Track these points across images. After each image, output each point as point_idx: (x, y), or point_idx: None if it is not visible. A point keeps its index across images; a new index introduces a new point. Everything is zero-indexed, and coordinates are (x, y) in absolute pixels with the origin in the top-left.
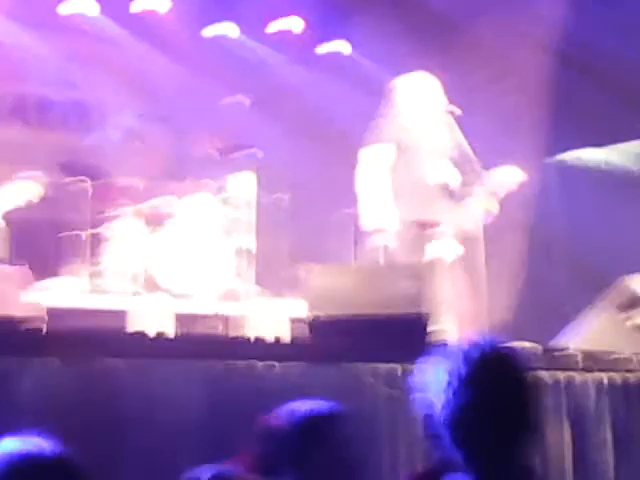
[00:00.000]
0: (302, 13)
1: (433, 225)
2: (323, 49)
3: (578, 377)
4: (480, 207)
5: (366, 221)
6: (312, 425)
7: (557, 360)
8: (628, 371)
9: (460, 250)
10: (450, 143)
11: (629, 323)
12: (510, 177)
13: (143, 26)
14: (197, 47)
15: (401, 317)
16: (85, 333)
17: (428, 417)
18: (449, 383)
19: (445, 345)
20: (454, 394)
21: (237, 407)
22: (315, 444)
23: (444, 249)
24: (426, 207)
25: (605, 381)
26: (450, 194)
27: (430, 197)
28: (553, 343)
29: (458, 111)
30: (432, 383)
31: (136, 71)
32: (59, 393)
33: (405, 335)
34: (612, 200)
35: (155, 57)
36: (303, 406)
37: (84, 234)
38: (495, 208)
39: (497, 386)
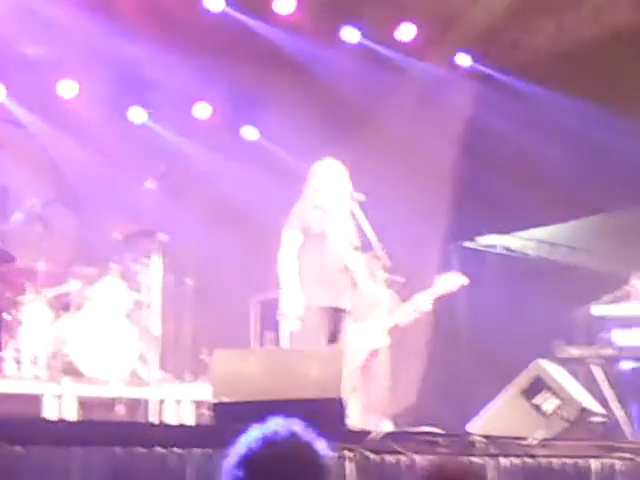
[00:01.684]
0: (212, 101)
1: (340, 311)
2: (235, 136)
3: (481, 462)
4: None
5: (281, 305)
6: None
7: (461, 444)
8: (531, 456)
9: (380, 340)
10: (357, 230)
11: (531, 410)
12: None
13: (52, 110)
14: (107, 132)
15: (310, 402)
16: None
17: None
18: (226, 469)
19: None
20: (230, 474)
21: None
22: None
23: (351, 335)
24: (335, 293)
25: (507, 465)
26: (356, 279)
27: (337, 282)
28: (458, 428)
29: (362, 198)
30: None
31: (42, 155)
32: None
33: (322, 420)
34: (517, 286)
35: (63, 141)
36: None
37: None
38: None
39: (262, 468)
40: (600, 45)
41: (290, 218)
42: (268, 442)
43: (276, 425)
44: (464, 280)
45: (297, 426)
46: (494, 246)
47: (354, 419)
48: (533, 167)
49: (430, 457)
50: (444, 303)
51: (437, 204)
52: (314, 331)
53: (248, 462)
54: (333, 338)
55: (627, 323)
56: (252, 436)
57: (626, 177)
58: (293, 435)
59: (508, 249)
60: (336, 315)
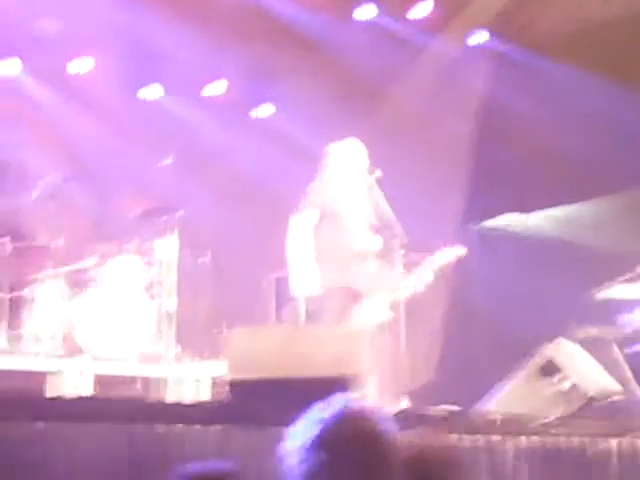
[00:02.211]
0: (227, 77)
1: (356, 291)
2: (250, 113)
3: (497, 440)
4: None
5: (292, 285)
6: None
7: (476, 423)
8: (546, 435)
9: (383, 315)
10: (374, 209)
11: (548, 389)
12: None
13: (68, 86)
14: (123, 108)
15: (325, 380)
16: (5, 395)
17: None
18: (299, 449)
19: (314, 408)
20: (302, 460)
21: (157, 469)
22: None
23: (367, 314)
24: (349, 272)
25: (524, 445)
26: (372, 259)
27: (353, 262)
28: (475, 407)
29: (380, 174)
30: (290, 450)
31: (60, 131)
32: None
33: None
34: (533, 266)
35: (80, 117)
36: (196, 467)
37: (5, 296)
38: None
39: (344, 448)
40: (616, 23)
41: (305, 198)
42: (344, 419)
43: (339, 402)
44: (462, 251)
45: (356, 402)
46: (511, 225)
47: (371, 397)
48: (550, 146)
49: (412, 436)
50: (460, 282)
51: (453, 182)
52: (329, 310)
53: (329, 442)
54: (348, 318)
55: (635, 306)
56: (321, 415)
57: (631, 159)
58: (363, 410)
59: (525, 228)
60: (351, 295)
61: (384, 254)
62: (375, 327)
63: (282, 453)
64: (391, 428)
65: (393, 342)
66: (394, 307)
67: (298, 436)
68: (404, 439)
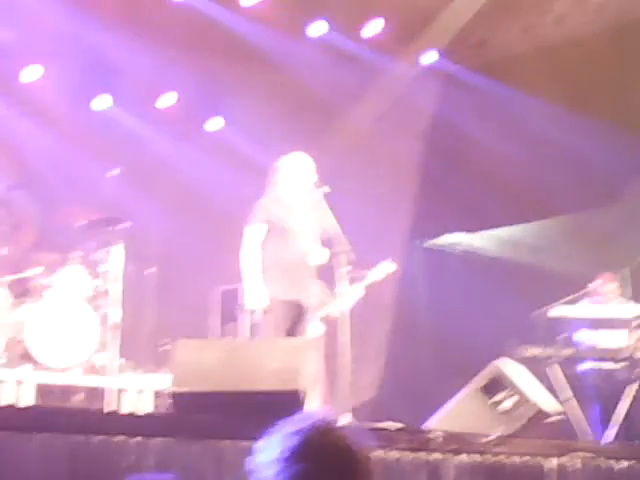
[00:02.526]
0: (177, 90)
1: (302, 305)
2: (200, 127)
3: (438, 458)
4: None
5: (243, 298)
6: None
7: (418, 440)
8: (487, 453)
9: (322, 330)
10: (322, 222)
11: (491, 407)
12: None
13: (17, 94)
14: (73, 118)
15: (269, 393)
16: None
17: None
18: (276, 460)
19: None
20: (280, 471)
21: None
22: None
23: (315, 329)
24: (295, 286)
25: (465, 462)
26: (318, 273)
27: (300, 276)
28: (418, 424)
29: (327, 190)
30: (265, 462)
31: (7, 139)
32: None
33: (281, 412)
34: (478, 285)
35: (28, 126)
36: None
37: None
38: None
39: (318, 465)
40: (564, 48)
41: (253, 213)
42: (321, 430)
43: (311, 416)
44: (392, 267)
45: (329, 415)
46: (457, 244)
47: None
48: (497, 166)
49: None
50: (405, 299)
51: (401, 200)
52: (275, 324)
53: (309, 452)
54: (294, 332)
55: (586, 324)
56: (296, 427)
57: (589, 180)
58: (333, 423)
59: (471, 248)
60: (298, 309)
61: (331, 269)
62: (318, 341)
63: (252, 467)
64: (366, 441)
65: (336, 358)
66: (337, 322)
67: (272, 448)
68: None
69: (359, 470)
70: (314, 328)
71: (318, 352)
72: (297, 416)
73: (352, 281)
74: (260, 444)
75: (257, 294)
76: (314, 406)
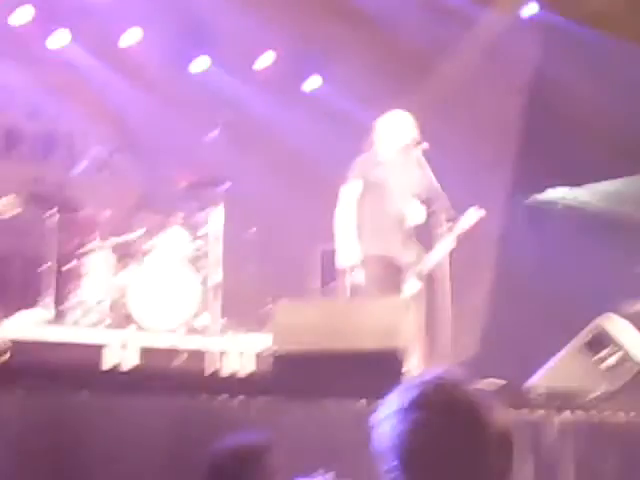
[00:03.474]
0: (277, 50)
1: (400, 261)
2: (298, 86)
3: (542, 415)
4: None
5: (337, 256)
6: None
7: (522, 397)
8: (592, 410)
9: (425, 287)
10: (420, 180)
11: (596, 363)
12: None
13: (116, 58)
14: (171, 80)
15: (371, 352)
16: (51, 366)
17: (381, 450)
18: (395, 412)
19: (405, 380)
20: (399, 421)
21: (202, 441)
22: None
23: (412, 286)
24: (394, 244)
25: (569, 420)
26: (418, 231)
27: (397, 233)
28: (521, 381)
29: (426, 146)
30: (384, 416)
31: (107, 103)
32: (25, 427)
33: (381, 371)
34: (582, 240)
35: (128, 89)
36: (231, 443)
37: (53, 267)
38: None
39: (438, 413)
40: None
41: (350, 171)
42: (441, 382)
43: (434, 371)
44: (480, 214)
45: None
46: (560, 199)
47: (412, 370)
48: (600, 119)
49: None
50: (507, 255)
51: (502, 155)
52: (374, 281)
53: (427, 402)
54: (394, 288)
55: None
56: (416, 380)
57: None
58: (462, 378)
59: (574, 202)
60: (396, 265)
61: (430, 226)
62: (416, 299)
63: (373, 422)
64: (488, 398)
65: (437, 314)
66: (437, 279)
67: (391, 402)
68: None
69: (478, 424)
70: (411, 285)
71: (416, 310)
72: (420, 372)
73: (444, 234)
74: (383, 400)
75: (350, 251)
76: (414, 364)
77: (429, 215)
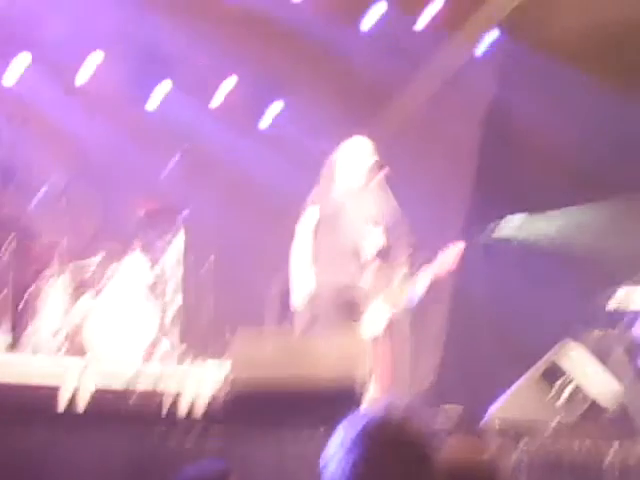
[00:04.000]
0: (236, 80)
1: (359, 292)
2: (257, 117)
3: (496, 442)
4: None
5: (294, 289)
6: None
7: (476, 424)
8: (547, 440)
9: (386, 318)
10: (381, 206)
11: (551, 393)
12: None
13: (75, 85)
14: (130, 108)
15: (328, 385)
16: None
17: None
18: (341, 446)
19: (356, 413)
20: (344, 456)
21: (160, 472)
22: None
23: (370, 316)
24: (352, 274)
25: (526, 450)
26: (377, 260)
27: (356, 264)
28: (479, 412)
29: (387, 171)
30: (331, 450)
31: (65, 132)
32: None
33: (339, 403)
34: (537, 269)
35: (86, 117)
36: (192, 471)
37: (10, 295)
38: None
39: (382, 448)
40: (627, 28)
41: (309, 200)
42: (383, 417)
43: (382, 404)
44: (458, 250)
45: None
46: (516, 228)
47: (373, 400)
48: (557, 148)
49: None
50: (465, 283)
51: (459, 184)
52: (331, 313)
53: (365, 439)
54: (352, 318)
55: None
56: (359, 417)
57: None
58: (407, 410)
59: (531, 231)
60: (353, 295)
61: (390, 253)
62: (377, 330)
63: (323, 462)
64: (434, 431)
65: (395, 345)
66: (397, 309)
67: (339, 437)
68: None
69: (422, 457)
70: (375, 315)
71: (379, 339)
72: (364, 406)
73: (418, 266)
74: (330, 439)
75: (305, 283)
76: (375, 394)
77: (390, 242)
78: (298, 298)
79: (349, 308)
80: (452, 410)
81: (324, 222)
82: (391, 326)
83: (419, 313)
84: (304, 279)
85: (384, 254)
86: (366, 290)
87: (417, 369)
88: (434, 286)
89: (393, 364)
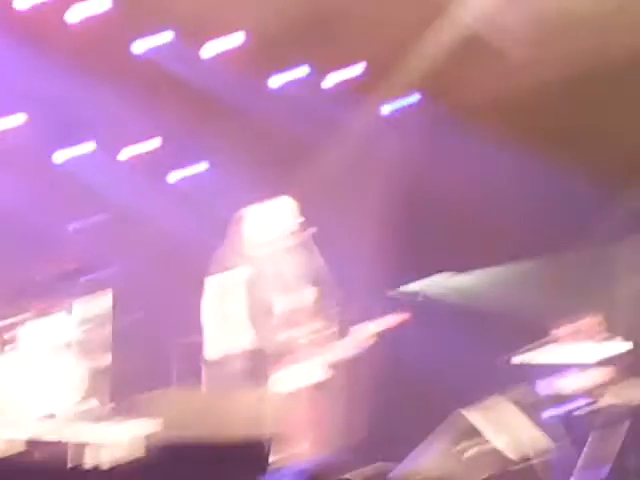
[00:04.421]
0: (152, 138)
1: (270, 352)
2: (173, 174)
3: None
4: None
5: (209, 350)
6: None
7: None
8: None
9: (312, 376)
10: (304, 266)
11: (468, 452)
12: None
13: None
14: (42, 167)
15: (239, 442)
16: None
17: None
18: None
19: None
20: None
21: None
22: None
23: (293, 375)
24: (264, 333)
25: None
26: (304, 317)
27: (265, 325)
28: (397, 468)
29: (314, 230)
30: None
31: None
32: None
33: (248, 460)
34: (455, 329)
35: (3, 176)
36: None
37: None
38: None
39: None
40: (537, 93)
41: (213, 264)
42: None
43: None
44: (387, 323)
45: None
46: (420, 292)
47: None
48: (470, 210)
49: None
50: (386, 345)
51: (378, 250)
52: (238, 374)
53: None
54: (259, 380)
55: (550, 370)
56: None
57: (553, 224)
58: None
59: (434, 294)
60: (261, 358)
61: (316, 312)
62: (303, 388)
63: None
64: None
65: (320, 402)
66: (324, 368)
67: None
68: None
69: None
70: (310, 374)
71: (304, 397)
72: (290, 468)
73: (343, 328)
74: None
75: (216, 345)
76: (294, 451)
77: (314, 299)
78: (209, 357)
79: (260, 368)
80: (380, 467)
81: (239, 282)
82: (315, 383)
83: (346, 371)
84: (214, 340)
85: (309, 313)
86: (279, 350)
87: (338, 427)
88: (360, 347)
89: (315, 420)
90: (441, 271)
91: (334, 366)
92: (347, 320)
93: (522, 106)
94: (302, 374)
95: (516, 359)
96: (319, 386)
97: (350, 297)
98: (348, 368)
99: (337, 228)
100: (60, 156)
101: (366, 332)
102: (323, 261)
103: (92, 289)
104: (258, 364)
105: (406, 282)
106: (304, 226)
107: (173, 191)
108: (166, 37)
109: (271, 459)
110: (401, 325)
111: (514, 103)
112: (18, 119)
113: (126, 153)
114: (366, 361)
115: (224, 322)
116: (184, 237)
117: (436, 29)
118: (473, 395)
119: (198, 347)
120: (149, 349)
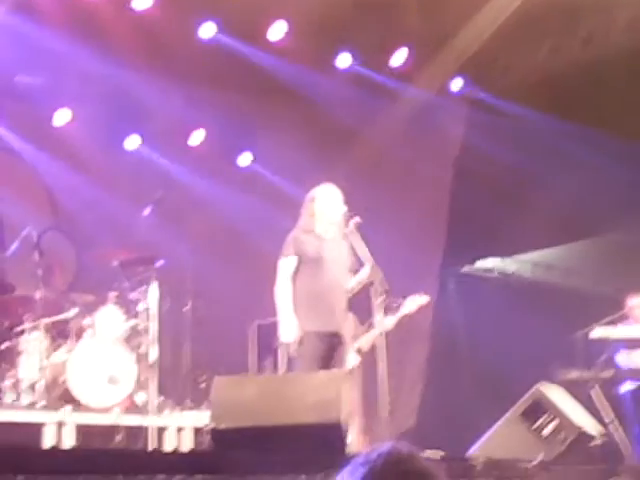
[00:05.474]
0: (205, 127)
1: (337, 335)
2: (230, 162)
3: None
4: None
5: (279, 331)
6: None
7: (460, 468)
8: (529, 478)
9: (363, 361)
10: (354, 253)
11: (531, 433)
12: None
13: (48, 138)
14: (103, 159)
15: (308, 427)
16: None
17: None
18: None
19: (352, 456)
20: None
21: None
22: None
23: (348, 359)
24: (331, 318)
25: None
26: (351, 304)
27: (335, 307)
28: (458, 452)
29: (359, 220)
30: None
31: (39, 183)
32: None
33: (323, 445)
34: (514, 309)
35: (59, 169)
36: None
37: None
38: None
39: None
40: (590, 69)
41: (285, 245)
42: (389, 459)
43: (385, 446)
44: (424, 300)
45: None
46: (491, 270)
47: (352, 444)
48: (527, 190)
49: None
50: (441, 327)
51: (433, 228)
52: (311, 356)
53: (382, 472)
54: (331, 363)
55: (626, 345)
56: (365, 458)
57: (619, 200)
58: (410, 452)
59: (505, 272)
60: (333, 340)
61: (365, 299)
62: (354, 372)
63: None
64: (438, 472)
65: (374, 387)
66: (374, 351)
67: (345, 478)
68: None
69: None
70: (349, 359)
71: (354, 383)
72: (368, 449)
73: (386, 312)
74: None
75: (289, 327)
76: (353, 438)
77: (364, 287)
78: (283, 339)
79: (331, 351)
80: (434, 454)
81: (303, 268)
82: (371, 367)
83: (398, 354)
84: (288, 322)
85: (359, 299)
86: (347, 333)
87: (397, 411)
88: (409, 326)
89: (372, 406)
90: (497, 253)
91: (386, 350)
92: (393, 309)
93: (574, 83)
94: (355, 359)
95: (594, 333)
96: (365, 370)
97: (404, 281)
98: (402, 352)
99: (395, 210)
100: (117, 147)
101: (419, 307)
102: (378, 240)
103: (148, 279)
104: (328, 347)
105: (462, 265)
106: (352, 215)
107: (239, 175)
108: (213, 27)
109: (345, 442)
110: (455, 307)
111: (564, 81)
112: (78, 112)
113: (192, 139)
114: (420, 343)
115: (299, 303)
116: (253, 218)
117: (483, 12)
118: (538, 374)
119: (274, 327)
120: (226, 331)
